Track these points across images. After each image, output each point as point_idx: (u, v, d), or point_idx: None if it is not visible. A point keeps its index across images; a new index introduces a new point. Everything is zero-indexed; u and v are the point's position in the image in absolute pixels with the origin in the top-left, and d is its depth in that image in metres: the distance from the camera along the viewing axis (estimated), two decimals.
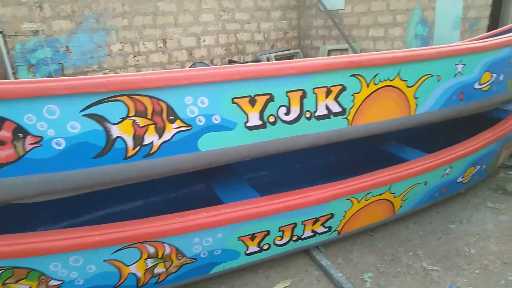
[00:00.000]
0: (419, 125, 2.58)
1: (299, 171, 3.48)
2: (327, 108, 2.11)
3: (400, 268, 2.32)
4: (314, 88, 2.04)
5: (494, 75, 2.78)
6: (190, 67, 6.71)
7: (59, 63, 5.94)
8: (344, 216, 2.38)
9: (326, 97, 2.08)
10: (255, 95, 1.90)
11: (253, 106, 1.91)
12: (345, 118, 2.18)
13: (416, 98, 2.39)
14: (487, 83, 2.76)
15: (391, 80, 2.26)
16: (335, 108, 2.13)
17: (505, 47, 2.81)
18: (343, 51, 7.09)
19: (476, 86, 2.70)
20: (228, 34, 7.27)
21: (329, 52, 7.33)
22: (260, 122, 1.95)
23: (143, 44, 6.50)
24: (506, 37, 2.88)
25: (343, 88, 2.12)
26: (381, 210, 2.56)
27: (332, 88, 2.08)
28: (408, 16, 5.88)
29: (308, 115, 2.06)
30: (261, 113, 1.94)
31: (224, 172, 2.50)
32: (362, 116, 2.23)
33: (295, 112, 2.02)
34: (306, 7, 7.89)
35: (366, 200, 2.39)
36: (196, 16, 6.87)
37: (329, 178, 2.57)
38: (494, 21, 7.96)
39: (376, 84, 2.21)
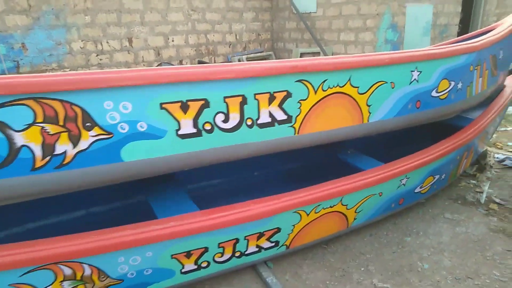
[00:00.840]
0: (373, 134, 2.48)
1: (257, 178, 3.33)
2: (271, 115, 1.96)
3: (349, 285, 2.20)
4: (255, 94, 1.88)
5: (452, 83, 2.71)
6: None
7: (14, 61, 5.60)
8: (292, 230, 2.24)
9: (270, 103, 1.93)
10: (188, 101, 1.73)
11: (185, 112, 1.74)
12: (291, 126, 2.04)
13: (368, 106, 2.28)
14: (445, 91, 2.68)
15: (341, 87, 2.13)
16: (280, 116, 1.98)
17: (463, 55, 2.74)
18: (315, 54, 7.02)
19: (434, 94, 2.61)
20: (198, 34, 7.07)
21: (301, 55, 7.24)
22: (194, 130, 1.78)
23: (107, 42, 6.22)
24: (463, 44, 2.82)
25: (288, 95, 1.97)
26: (333, 223, 2.43)
27: (276, 94, 1.94)
28: (378, 20, 5.85)
29: (249, 122, 1.91)
30: (195, 120, 1.77)
31: (168, 181, 2.32)
32: (310, 124, 2.10)
33: (234, 119, 1.86)
34: (279, 9, 7.78)
35: (316, 213, 2.26)
36: (164, 15, 6.64)
37: (287, 186, 2.44)
38: (464, 28, 8.08)
39: (324, 91, 2.08)
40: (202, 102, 1.76)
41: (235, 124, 1.87)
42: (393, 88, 2.35)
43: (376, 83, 2.26)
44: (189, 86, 1.72)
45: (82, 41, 6.03)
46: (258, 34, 7.95)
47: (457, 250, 2.47)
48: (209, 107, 1.78)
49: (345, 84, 2.14)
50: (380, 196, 2.53)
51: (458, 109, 2.94)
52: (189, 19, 6.93)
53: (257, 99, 1.89)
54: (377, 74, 2.24)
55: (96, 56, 6.23)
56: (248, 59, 7.26)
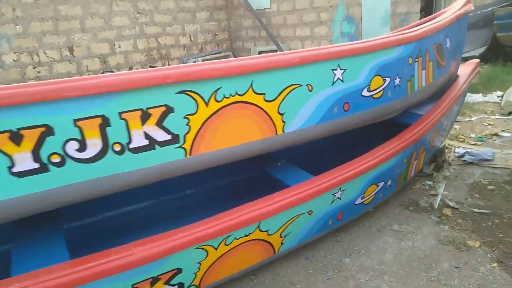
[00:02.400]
0: (293, 145, 2.13)
1: (191, 197, 2.95)
2: (148, 137, 1.59)
3: None
4: (121, 113, 1.51)
5: (387, 79, 2.39)
6: None
7: None
8: (199, 268, 1.87)
9: (144, 123, 1.56)
10: (20, 129, 1.35)
11: (19, 144, 1.36)
12: (180, 147, 1.67)
13: (281, 114, 1.93)
14: (379, 89, 2.36)
15: (241, 95, 1.77)
16: (161, 136, 1.62)
17: (397, 47, 2.42)
18: (273, 52, 6.69)
19: (365, 93, 2.28)
20: (147, 38, 6.65)
21: (260, 54, 6.90)
22: (36, 165, 1.40)
23: (44, 53, 5.75)
24: (397, 34, 2.50)
25: (169, 110, 1.60)
26: (255, 252, 2.08)
27: (151, 111, 1.57)
28: (331, 13, 5.54)
29: (118, 148, 1.54)
30: (36, 153, 1.39)
31: (43, 221, 1.92)
32: (206, 143, 1.73)
33: (95, 146, 1.49)
34: (234, 7, 7.42)
35: (228, 245, 1.90)
36: (107, 19, 6.19)
37: (227, 204, 2.12)
38: (427, 16, 7.85)
39: (219, 101, 1.72)
40: (42, 129, 1.38)
41: (96, 152, 1.49)
42: (311, 91, 2.01)
43: (287, 87, 1.91)
44: (21, 110, 1.34)
45: (15, 53, 5.54)
46: (215, 34, 7.57)
47: (399, 271, 2.15)
48: (53, 134, 1.40)
49: (247, 92, 1.79)
50: (310, 215, 2.19)
51: (398, 107, 2.62)
52: (136, 23, 6.50)
53: (124, 119, 1.52)
54: (286, 77, 1.90)
55: (33, 68, 5.75)
56: (204, 61, 6.88)
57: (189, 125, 1.66)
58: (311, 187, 2.14)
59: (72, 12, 5.90)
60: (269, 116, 1.89)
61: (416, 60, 2.62)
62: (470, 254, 2.24)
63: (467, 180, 3.21)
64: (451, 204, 2.81)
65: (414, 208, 2.83)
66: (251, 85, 1.79)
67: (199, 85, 1.64)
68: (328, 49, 2.05)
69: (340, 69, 2.11)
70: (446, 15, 3.12)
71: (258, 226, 1.97)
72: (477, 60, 3.73)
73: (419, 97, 2.80)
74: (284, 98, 1.91)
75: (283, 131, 1.96)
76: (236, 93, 1.75)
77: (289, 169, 2.43)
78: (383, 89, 2.38)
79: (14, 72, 5.61)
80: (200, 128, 1.70)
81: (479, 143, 4.15)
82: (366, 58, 2.22)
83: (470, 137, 4.36)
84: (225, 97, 1.73)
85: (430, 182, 3.22)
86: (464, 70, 3.64)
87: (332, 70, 2.08)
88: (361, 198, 2.50)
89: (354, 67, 2.18)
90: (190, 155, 1.70)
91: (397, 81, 2.46)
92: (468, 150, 3.77)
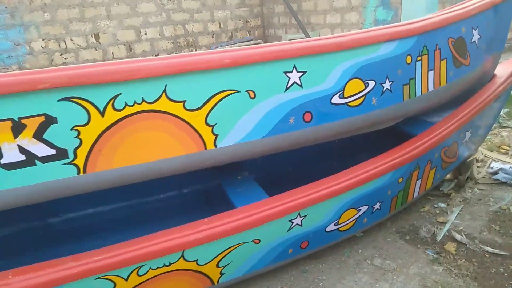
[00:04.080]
0: (233, 161, 1.79)
1: (165, 202, 2.73)
2: (24, 151, 1.35)
3: None
4: None
5: (370, 82, 1.93)
6: None
7: None
8: None
9: (16, 135, 1.32)
10: None
11: None
12: (70, 163, 1.42)
13: (211, 126, 1.59)
14: (357, 96, 1.91)
15: (150, 103, 1.47)
16: (43, 151, 1.37)
17: (387, 42, 1.94)
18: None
19: (336, 100, 1.86)
20: (174, 25, 6.50)
21: None
22: None
23: (71, 40, 5.85)
24: (390, 27, 2.01)
25: (50, 120, 1.35)
26: (186, 283, 1.79)
27: (25, 121, 1.32)
28: None
29: None
30: None
31: None
32: (106, 159, 1.46)
33: None
34: None
35: (141, 276, 1.64)
36: (134, 6, 6.13)
37: (203, 212, 1.93)
38: None
39: (119, 110, 1.43)
40: None
41: None
42: (253, 98, 1.64)
43: (218, 93, 1.57)
44: None
45: (43, 40, 5.70)
46: (246, 20, 7.21)
47: None
48: None
49: (158, 99, 1.47)
50: (256, 244, 1.84)
51: (390, 117, 2.14)
52: (162, 9, 6.37)
53: None
54: (215, 81, 1.55)
55: (61, 55, 5.88)
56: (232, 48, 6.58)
57: (79, 138, 1.40)
58: (257, 212, 1.79)
59: None
60: (193, 128, 1.56)
61: (419, 58, 2.10)
62: None
63: (491, 206, 2.61)
64: (458, 237, 2.28)
65: (411, 238, 2.35)
66: (164, 91, 1.47)
67: (89, 91, 1.36)
68: (279, 47, 1.66)
69: (297, 72, 1.71)
70: (475, 0, 2.51)
71: (182, 256, 1.67)
72: None
73: (425, 104, 2.28)
74: (213, 106, 1.57)
75: (215, 146, 1.63)
76: (144, 101, 1.45)
77: (246, 186, 2.08)
78: (364, 95, 1.93)
79: (42, 59, 5.78)
80: (95, 142, 1.42)
81: None
82: (335, 57, 1.79)
83: None
84: (127, 105, 1.43)
85: (443, 205, 2.67)
86: (504, 69, 2.96)
87: (285, 72, 1.68)
88: (335, 225, 2.09)
89: (318, 69, 1.76)
90: (84, 172, 1.44)
91: (386, 85, 1.99)
92: (504, 166, 3.10)
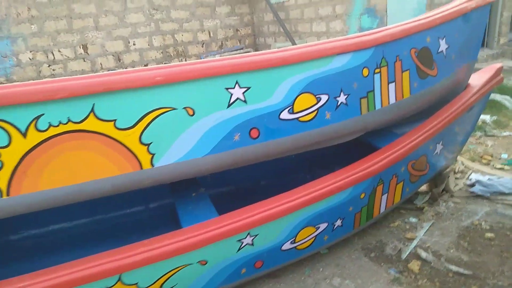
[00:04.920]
0: (173, 180, 1.73)
1: (132, 217, 2.68)
2: None
3: None
4: None
5: (323, 97, 1.88)
6: None
7: None
8: None
9: None
10: None
11: None
12: None
13: (146, 145, 1.55)
14: (309, 110, 1.86)
15: (77, 122, 1.42)
16: None
17: (340, 55, 1.89)
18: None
19: (285, 116, 1.80)
20: (163, 35, 6.50)
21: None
22: None
23: (59, 51, 5.87)
24: (343, 39, 1.95)
25: None
26: None
27: None
28: (347, 5, 4.86)
29: None
30: None
31: None
32: (31, 181, 1.42)
33: None
34: (256, 0, 6.97)
35: None
36: (122, 17, 6.15)
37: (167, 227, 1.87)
38: None
39: (43, 131, 1.39)
40: None
41: None
42: (192, 115, 1.60)
43: (151, 111, 1.52)
44: None
45: (30, 51, 5.73)
46: (237, 29, 7.20)
47: None
48: None
49: (86, 118, 1.43)
50: (203, 265, 1.78)
51: (348, 132, 2.07)
52: (151, 19, 6.38)
53: None
54: (147, 99, 1.51)
55: (48, 66, 5.91)
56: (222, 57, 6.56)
57: (0, 161, 1.36)
58: (202, 232, 1.73)
59: (86, 10, 5.94)
60: (126, 147, 1.51)
61: (377, 70, 2.05)
62: None
63: (463, 221, 2.53)
64: (423, 255, 2.20)
65: (377, 255, 2.27)
66: (92, 110, 1.43)
67: (9, 112, 1.33)
68: (218, 63, 1.61)
69: (240, 87, 1.66)
70: (442, 9, 2.46)
71: (120, 279, 1.61)
72: (499, 65, 2.93)
73: (387, 117, 2.21)
74: (148, 124, 1.52)
75: (153, 165, 1.58)
76: (70, 120, 1.41)
77: (198, 204, 2.02)
78: (317, 109, 1.87)
79: (30, 70, 5.81)
80: (18, 164, 1.38)
81: (507, 167, 3.33)
82: (281, 72, 1.74)
83: (500, 158, 3.53)
84: (52, 125, 1.39)
85: (414, 220, 2.59)
86: (479, 78, 2.88)
87: (227, 88, 1.64)
88: (291, 243, 2.02)
89: (263, 84, 1.71)
90: (8, 195, 1.40)
91: (341, 98, 1.93)
92: (481, 178, 3.01)
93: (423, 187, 2.99)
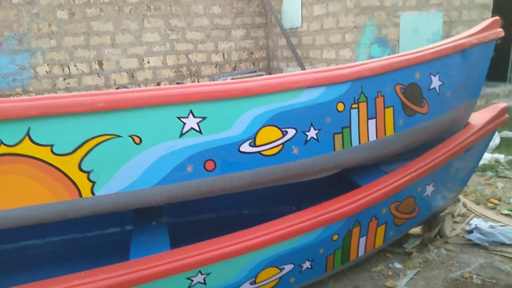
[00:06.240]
0: (117, 210, 1.64)
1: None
2: None
3: None
4: None
5: (290, 131, 1.77)
6: None
7: None
8: None
9: None
10: None
11: None
12: None
13: (86, 172, 1.48)
14: (273, 144, 1.75)
15: (10, 146, 1.37)
16: None
17: (310, 88, 1.78)
18: None
19: (246, 148, 1.70)
20: (177, 54, 6.61)
21: None
22: None
23: (75, 65, 6.05)
24: (310, 73, 1.84)
25: None
26: None
27: None
28: (357, 34, 4.76)
29: None
30: None
31: None
32: None
33: None
34: (272, 25, 7.00)
35: None
36: (138, 36, 6.30)
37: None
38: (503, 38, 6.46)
39: None
40: None
41: None
42: (139, 144, 1.52)
43: (93, 138, 1.46)
44: None
45: (47, 65, 5.93)
46: (251, 52, 7.23)
47: None
48: None
49: (20, 142, 1.38)
50: None
51: (320, 168, 1.94)
52: (166, 39, 6.50)
53: None
54: (88, 125, 1.45)
55: (64, 80, 6.09)
56: (233, 79, 6.58)
57: None
58: (148, 266, 1.63)
59: (104, 28, 6.13)
60: (64, 174, 1.45)
61: (354, 106, 1.92)
62: None
63: (453, 272, 2.30)
64: None
65: None
66: (27, 134, 1.38)
67: None
68: (169, 91, 1.54)
69: (195, 117, 1.58)
70: (437, 44, 2.33)
71: None
72: (504, 104, 2.72)
73: (366, 155, 2.07)
74: (89, 151, 1.46)
75: (93, 193, 1.50)
76: (2, 143, 1.36)
77: (154, 234, 1.92)
78: (283, 143, 1.76)
79: (45, 83, 6.00)
80: None
81: None
82: (242, 103, 1.65)
83: (509, 203, 3.26)
84: None
85: (399, 266, 2.39)
86: (480, 117, 2.68)
87: (179, 118, 1.56)
88: (251, 284, 1.88)
89: (221, 115, 1.63)
90: None
91: (311, 133, 1.82)
92: (482, 224, 2.76)
93: (417, 229, 2.78)
